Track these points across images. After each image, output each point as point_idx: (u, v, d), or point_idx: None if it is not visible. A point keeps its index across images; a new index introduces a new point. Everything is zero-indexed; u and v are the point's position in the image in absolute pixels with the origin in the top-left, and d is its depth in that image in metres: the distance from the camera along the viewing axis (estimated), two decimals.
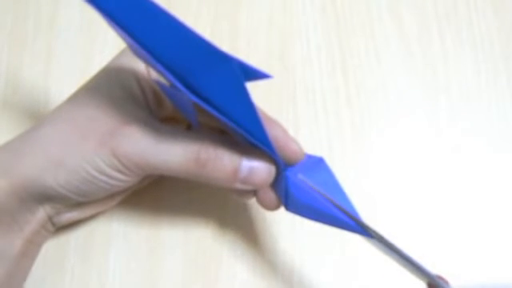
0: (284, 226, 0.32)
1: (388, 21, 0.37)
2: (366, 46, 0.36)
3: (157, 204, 0.32)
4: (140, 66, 0.27)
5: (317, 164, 0.26)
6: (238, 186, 0.25)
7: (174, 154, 0.24)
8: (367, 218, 0.32)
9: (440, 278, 0.24)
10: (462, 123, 0.34)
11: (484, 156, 0.34)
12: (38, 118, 0.34)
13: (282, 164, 0.25)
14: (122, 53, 0.27)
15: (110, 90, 0.26)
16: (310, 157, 0.27)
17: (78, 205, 0.28)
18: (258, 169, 0.25)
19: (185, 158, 0.24)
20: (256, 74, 0.21)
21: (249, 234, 0.32)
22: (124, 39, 0.22)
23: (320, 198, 0.24)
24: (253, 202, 0.32)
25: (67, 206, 0.28)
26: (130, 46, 0.23)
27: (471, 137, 0.34)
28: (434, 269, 0.23)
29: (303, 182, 0.25)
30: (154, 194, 0.32)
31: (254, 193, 0.27)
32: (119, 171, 0.25)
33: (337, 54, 0.36)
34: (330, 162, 0.33)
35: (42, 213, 0.27)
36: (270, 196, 0.27)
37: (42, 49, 0.36)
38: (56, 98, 0.34)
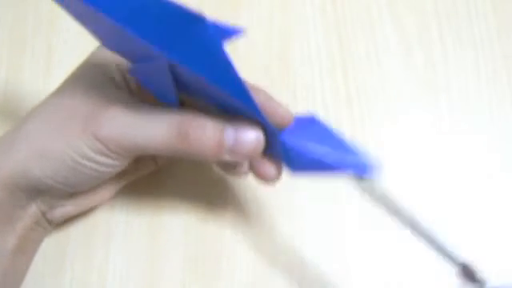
0: (285, 225, 0.32)
1: (388, 21, 0.37)
2: (366, 46, 0.36)
3: (157, 204, 0.32)
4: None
5: (310, 122, 0.25)
6: (227, 157, 0.24)
7: (156, 130, 0.24)
8: (367, 216, 0.32)
9: (470, 265, 0.23)
10: (462, 123, 0.34)
11: (484, 156, 0.34)
12: None
13: (273, 128, 0.24)
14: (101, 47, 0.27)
15: (91, 77, 0.26)
16: (300, 118, 0.26)
17: (71, 198, 0.28)
18: (245, 135, 0.24)
19: (167, 132, 0.24)
20: (229, 32, 0.21)
21: (249, 233, 0.32)
22: (92, 26, 0.23)
23: (320, 149, 0.23)
24: (253, 199, 0.32)
25: (59, 199, 0.27)
26: (99, 36, 0.24)
27: (471, 136, 0.34)
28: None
29: (300, 140, 0.24)
30: (154, 194, 0.32)
31: (251, 167, 0.27)
32: (104, 155, 0.24)
33: (337, 53, 0.36)
34: None
35: (33, 208, 0.27)
36: (267, 166, 0.26)
37: (42, 49, 0.36)
38: None
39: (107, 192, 0.30)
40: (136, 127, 0.24)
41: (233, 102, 0.23)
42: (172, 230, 0.32)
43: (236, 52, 0.34)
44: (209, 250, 0.31)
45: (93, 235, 0.31)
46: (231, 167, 0.28)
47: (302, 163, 0.24)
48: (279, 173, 0.26)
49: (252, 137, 0.24)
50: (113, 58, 0.26)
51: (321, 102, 0.35)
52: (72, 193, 0.27)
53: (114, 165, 0.25)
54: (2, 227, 0.26)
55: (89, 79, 0.26)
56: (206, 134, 0.23)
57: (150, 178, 0.32)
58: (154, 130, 0.24)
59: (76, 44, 0.36)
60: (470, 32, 0.37)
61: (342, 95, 0.35)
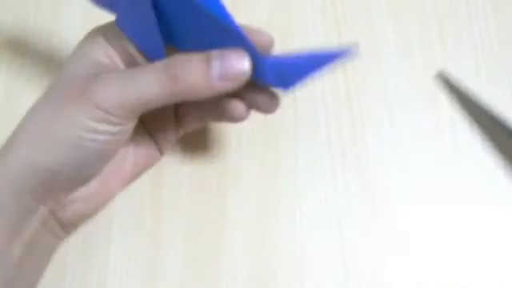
0: (284, 225, 0.32)
1: (388, 21, 0.37)
2: (365, 46, 0.36)
3: (157, 204, 0.32)
4: (102, 41, 0.27)
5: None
6: (218, 86, 0.24)
7: (147, 79, 0.24)
8: (367, 216, 0.32)
9: None
10: (462, 123, 0.34)
11: (484, 156, 0.34)
12: None
13: (258, 53, 0.25)
14: (83, 39, 0.27)
15: (79, 63, 0.26)
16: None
17: (81, 193, 0.27)
18: (230, 58, 0.24)
19: (156, 78, 0.24)
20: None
21: (249, 233, 0.32)
22: None
23: (305, 55, 0.25)
24: (253, 199, 0.32)
25: (68, 192, 0.26)
26: None
27: (471, 136, 0.34)
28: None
29: (285, 56, 0.25)
30: (154, 194, 0.32)
31: (248, 103, 0.27)
32: (106, 121, 0.24)
33: None
34: (330, 161, 0.33)
35: (42, 210, 0.26)
36: (262, 95, 0.26)
37: (42, 49, 0.36)
38: None
39: (117, 183, 0.29)
40: (129, 83, 0.24)
41: (217, 32, 0.24)
42: (172, 230, 0.32)
43: None
44: (209, 250, 0.31)
45: (93, 235, 0.31)
46: (229, 110, 0.28)
47: (293, 73, 0.25)
48: (276, 98, 0.27)
49: (237, 58, 0.24)
50: (97, 43, 0.27)
51: (321, 102, 0.35)
52: (81, 181, 0.27)
53: (116, 132, 0.25)
54: (7, 235, 0.25)
55: (76, 65, 0.26)
56: (192, 66, 0.24)
57: (149, 177, 0.32)
58: (146, 80, 0.24)
59: (76, 44, 0.36)
60: (470, 32, 0.37)
61: (342, 95, 0.35)
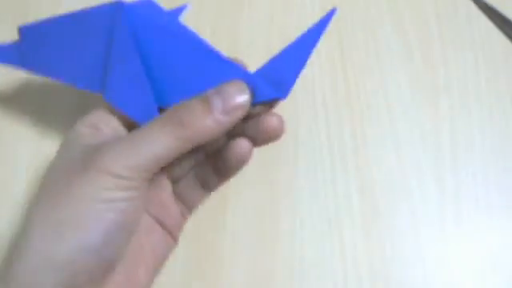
0: (284, 225, 0.32)
1: (388, 21, 0.37)
2: (365, 46, 0.36)
3: None
4: (88, 128, 0.25)
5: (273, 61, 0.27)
6: (225, 118, 0.24)
7: (155, 135, 0.23)
8: (366, 215, 0.32)
9: None
10: (462, 123, 0.34)
11: (484, 156, 0.34)
12: (38, 119, 0.34)
13: (248, 72, 0.25)
14: (68, 134, 0.26)
15: (71, 146, 0.25)
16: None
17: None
18: (228, 88, 0.24)
19: (164, 130, 0.23)
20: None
21: (249, 233, 0.32)
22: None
23: (289, 52, 0.26)
24: (253, 199, 0.32)
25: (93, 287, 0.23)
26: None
27: (471, 136, 0.34)
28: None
29: (270, 63, 0.26)
30: None
31: (255, 130, 0.26)
32: (119, 187, 0.22)
33: (337, 53, 0.36)
34: (331, 160, 0.33)
35: None
36: (266, 118, 0.26)
37: None
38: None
39: (142, 276, 0.26)
40: (135, 143, 0.23)
41: (204, 69, 0.25)
42: None
43: (236, 52, 0.34)
44: (209, 250, 0.31)
45: None
46: (237, 151, 0.27)
47: (285, 70, 0.26)
48: (279, 118, 0.26)
49: (234, 88, 0.24)
50: (82, 132, 0.25)
51: (321, 102, 0.35)
52: (105, 266, 0.23)
53: (135, 197, 0.23)
54: None
55: (70, 148, 0.25)
56: (194, 108, 0.24)
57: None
58: (153, 135, 0.23)
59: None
60: (470, 32, 0.37)
61: (342, 95, 0.35)
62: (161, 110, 0.26)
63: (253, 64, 0.36)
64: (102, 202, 0.22)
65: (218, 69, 0.25)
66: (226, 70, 0.25)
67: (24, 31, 0.28)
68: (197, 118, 0.24)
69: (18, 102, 0.34)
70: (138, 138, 0.23)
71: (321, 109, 0.35)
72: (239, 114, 0.24)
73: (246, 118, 0.25)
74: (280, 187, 0.33)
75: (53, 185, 0.23)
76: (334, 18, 0.37)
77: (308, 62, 0.26)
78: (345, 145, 0.34)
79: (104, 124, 0.25)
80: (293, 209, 0.32)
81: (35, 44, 0.28)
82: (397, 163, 0.33)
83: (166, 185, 0.28)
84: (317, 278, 0.31)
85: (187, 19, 0.36)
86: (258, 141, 0.27)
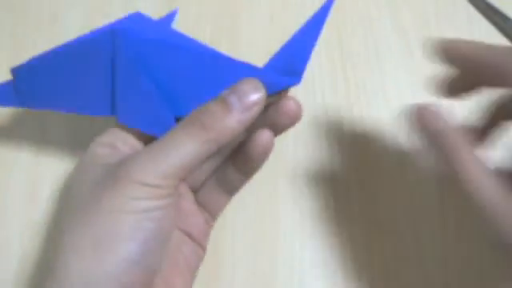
0: (284, 225, 0.32)
1: (388, 20, 0.37)
2: (365, 46, 0.36)
3: None
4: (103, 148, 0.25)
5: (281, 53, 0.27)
6: (245, 115, 0.24)
7: (180, 140, 0.24)
8: (367, 215, 0.32)
9: None
10: (462, 123, 0.34)
11: (483, 153, 0.34)
12: (39, 119, 0.34)
13: (256, 68, 0.26)
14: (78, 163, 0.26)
15: (89, 175, 0.24)
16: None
17: None
18: (240, 86, 0.25)
19: (188, 134, 0.24)
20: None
21: (249, 233, 0.32)
22: None
23: (295, 42, 0.27)
24: (252, 199, 0.32)
25: None
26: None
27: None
28: None
29: (277, 56, 0.26)
30: None
31: (283, 116, 0.27)
32: (151, 196, 0.23)
33: (337, 53, 0.36)
34: (331, 160, 0.33)
35: None
36: (281, 104, 0.26)
37: (43, 49, 0.36)
38: None
39: (179, 285, 0.26)
40: (161, 150, 0.23)
41: (213, 73, 0.25)
42: None
43: (236, 52, 0.34)
44: (209, 250, 0.31)
45: None
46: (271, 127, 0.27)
47: (296, 56, 0.26)
48: (296, 101, 0.27)
49: (248, 84, 0.25)
50: (96, 154, 0.25)
51: (321, 102, 0.35)
52: (146, 279, 0.23)
53: (168, 204, 0.23)
54: None
55: (86, 177, 0.24)
56: (213, 110, 0.24)
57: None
58: (178, 140, 0.24)
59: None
60: (470, 32, 0.37)
61: (342, 95, 0.35)
62: (177, 119, 0.26)
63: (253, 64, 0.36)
64: (138, 213, 0.22)
65: (227, 69, 0.26)
66: (235, 69, 0.26)
67: (17, 72, 0.28)
68: (218, 119, 0.24)
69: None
70: (163, 146, 0.24)
71: (321, 109, 0.35)
72: (257, 109, 0.25)
73: (265, 109, 0.26)
74: (280, 187, 0.33)
75: (79, 205, 0.23)
76: (334, 18, 0.37)
77: (309, 63, 0.26)
78: (345, 145, 0.34)
79: (121, 142, 0.26)
80: (293, 208, 0.32)
81: (31, 81, 0.28)
82: (397, 163, 0.33)
83: (187, 195, 0.29)
84: (317, 277, 0.31)
85: (187, 20, 0.36)
86: (278, 128, 0.27)
